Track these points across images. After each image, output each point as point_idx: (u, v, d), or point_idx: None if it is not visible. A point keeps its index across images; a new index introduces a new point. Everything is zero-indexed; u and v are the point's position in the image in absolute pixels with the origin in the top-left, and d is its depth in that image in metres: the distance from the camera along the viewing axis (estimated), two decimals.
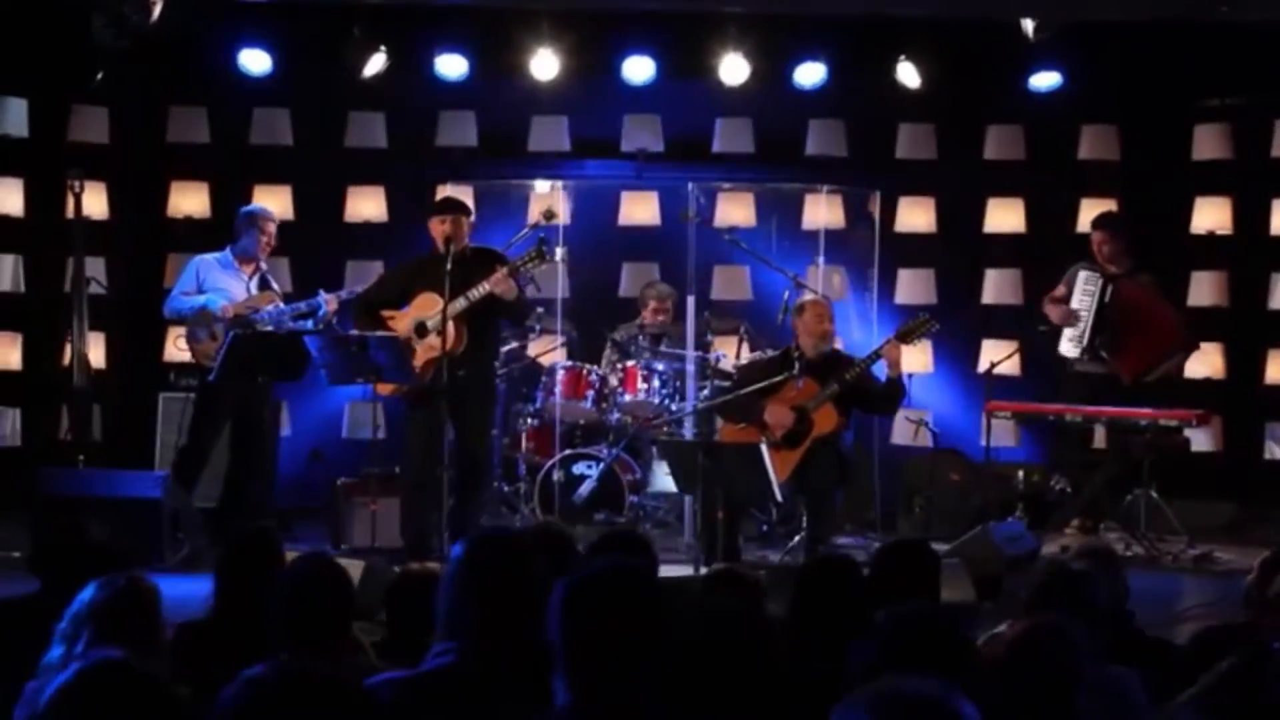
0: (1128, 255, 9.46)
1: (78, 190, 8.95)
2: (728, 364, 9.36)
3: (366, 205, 10.67)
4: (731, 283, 10.50)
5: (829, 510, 8.23)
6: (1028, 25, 9.34)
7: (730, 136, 10.75)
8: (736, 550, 7.95)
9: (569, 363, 9.46)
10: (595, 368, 9.37)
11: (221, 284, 8.74)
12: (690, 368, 9.21)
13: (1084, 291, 9.33)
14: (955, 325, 10.24)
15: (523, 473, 9.44)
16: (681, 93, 10.68)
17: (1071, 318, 9.31)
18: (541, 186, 10.27)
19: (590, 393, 9.23)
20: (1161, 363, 9.27)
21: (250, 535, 4.44)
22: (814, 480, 8.05)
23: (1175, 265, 10.40)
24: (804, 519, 8.32)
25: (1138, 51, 10.15)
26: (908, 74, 10.21)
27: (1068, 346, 9.40)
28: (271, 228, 8.89)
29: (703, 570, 7.04)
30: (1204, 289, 10.52)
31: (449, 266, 7.70)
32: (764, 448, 7.52)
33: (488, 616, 3.04)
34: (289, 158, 10.64)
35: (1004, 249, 10.84)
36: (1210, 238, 10.61)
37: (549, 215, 9.01)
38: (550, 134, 10.69)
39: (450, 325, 7.78)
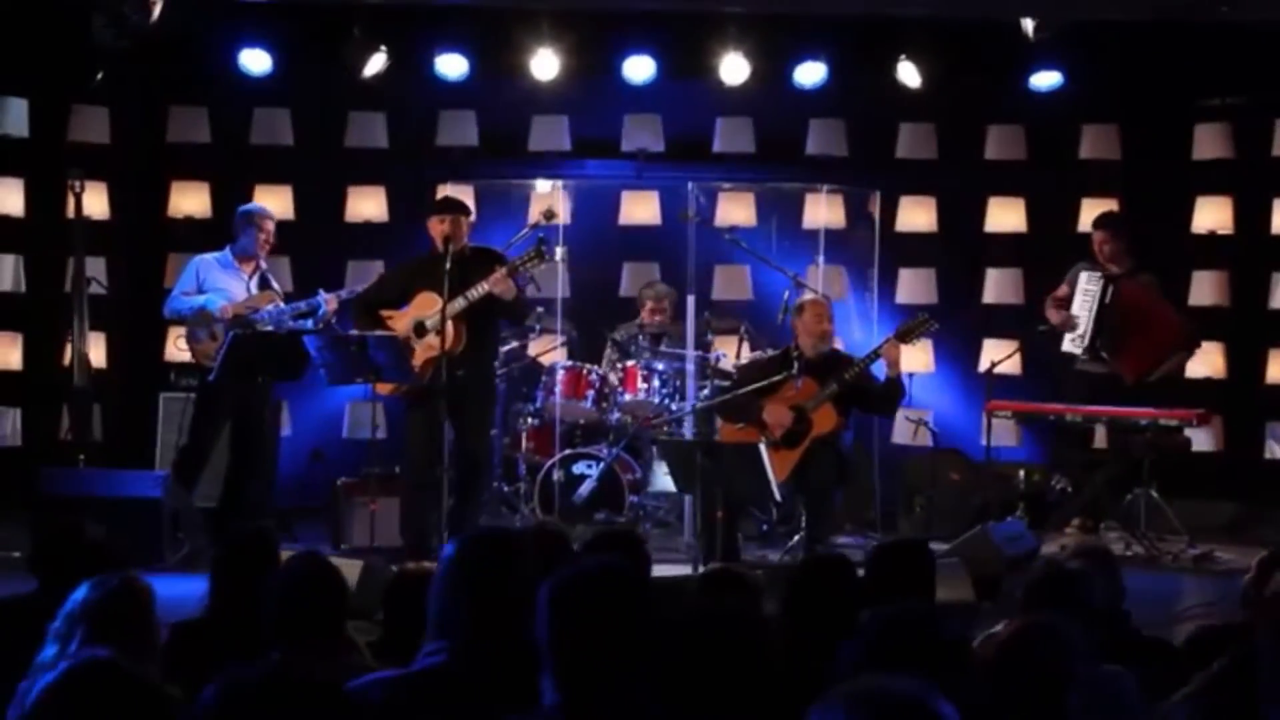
0: (1129, 255, 9.45)
1: (78, 190, 8.95)
2: (728, 364, 9.36)
3: (367, 205, 10.68)
4: (732, 282, 10.50)
5: (828, 510, 8.23)
6: (1028, 25, 9.33)
7: (730, 136, 10.75)
8: (736, 550, 7.95)
9: (569, 362, 9.46)
10: (595, 367, 9.37)
11: (221, 284, 8.74)
12: (690, 367, 9.21)
13: (1085, 292, 9.33)
14: (956, 325, 10.25)
15: (523, 472, 9.44)
16: (682, 92, 10.68)
17: (1071, 322, 9.30)
18: (542, 186, 10.26)
19: (590, 392, 9.22)
20: (1163, 362, 9.26)
21: (247, 535, 4.44)
22: (813, 480, 8.05)
23: (1176, 265, 10.40)
24: (803, 519, 8.31)
25: (1138, 51, 10.15)
26: (908, 73, 10.21)
27: (1070, 345, 9.40)
28: (270, 226, 8.89)
29: (701, 570, 7.04)
30: (1205, 289, 10.51)
31: (448, 266, 7.70)
32: (763, 447, 7.52)
33: (478, 616, 3.04)
34: (289, 158, 10.65)
35: (1004, 249, 10.84)
36: (1211, 237, 10.60)
37: (549, 215, 9.01)
38: (550, 134, 10.69)
39: (449, 325, 7.79)
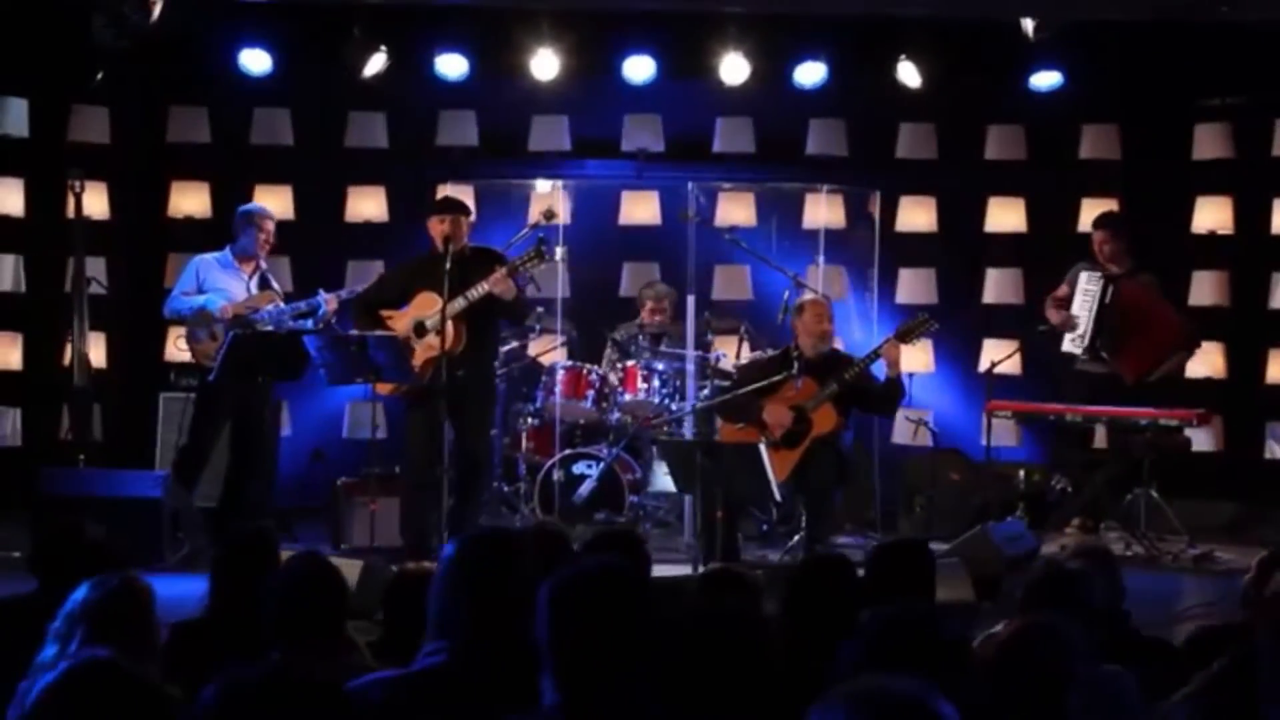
0: (1129, 255, 9.45)
1: (78, 190, 8.96)
2: (728, 364, 9.36)
3: (367, 205, 10.68)
4: (732, 282, 10.50)
5: (828, 510, 8.23)
6: (1027, 25, 9.33)
7: (731, 136, 10.75)
8: (736, 550, 7.95)
9: (569, 362, 9.46)
10: (595, 367, 9.37)
11: (221, 284, 8.74)
12: (690, 367, 9.21)
13: (1085, 292, 9.32)
14: (956, 325, 10.26)
15: (523, 472, 9.44)
16: (682, 92, 10.68)
17: (1071, 322, 9.30)
18: (542, 186, 10.27)
19: (590, 392, 9.23)
20: (1163, 363, 9.26)
21: (247, 535, 4.44)
22: (813, 480, 8.05)
23: (1176, 265, 10.39)
24: (803, 519, 8.31)
25: (1138, 51, 10.15)
26: (908, 73, 10.21)
27: (1070, 345, 9.39)
28: (269, 225, 8.89)
29: (701, 570, 7.04)
30: (1205, 288, 10.51)
31: (448, 266, 7.70)
32: (763, 448, 7.52)
33: (478, 616, 3.04)
34: (289, 158, 10.65)
35: (1005, 248, 10.84)
36: (1211, 237, 10.60)
37: (549, 215, 9.02)
38: (551, 134, 10.70)
39: (449, 325, 7.79)
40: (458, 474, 7.98)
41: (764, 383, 8.08)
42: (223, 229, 9.27)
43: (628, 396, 9.26)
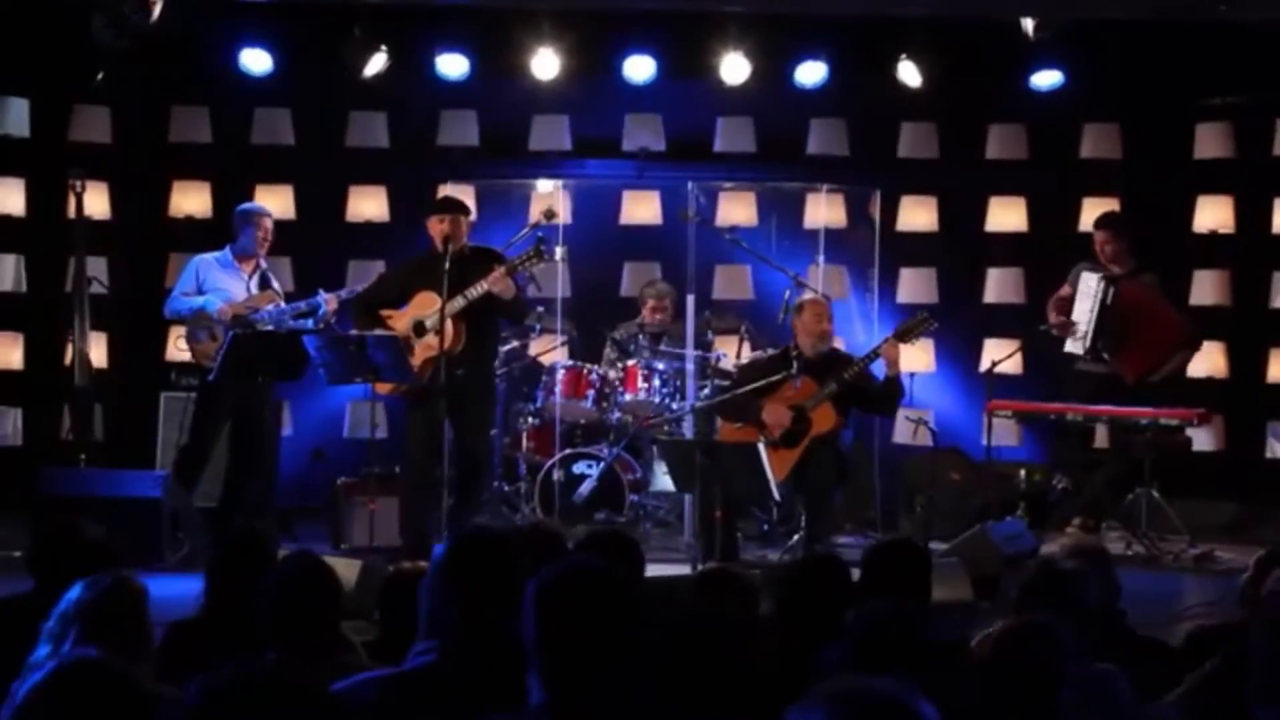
0: (1131, 255, 9.44)
1: (79, 190, 8.97)
2: (728, 363, 9.36)
3: (368, 205, 10.68)
4: (733, 282, 10.50)
5: (827, 509, 8.23)
6: (1028, 25, 9.33)
7: (731, 136, 10.75)
8: (735, 549, 7.95)
9: (569, 362, 9.46)
10: (595, 367, 9.37)
11: (222, 284, 8.74)
12: (690, 367, 9.21)
13: (1086, 293, 9.31)
14: (957, 324, 10.26)
15: (523, 472, 9.44)
16: (682, 92, 10.68)
17: (1071, 329, 9.29)
18: (543, 186, 10.27)
19: (591, 392, 9.23)
20: (1165, 363, 9.25)
21: (242, 535, 4.44)
22: (812, 479, 8.05)
23: (1177, 264, 10.38)
24: (803, 518, 8.31)
25: (1139, 50, 10.14)
26: (909, 73, 10.20)
27: (1072, 346, 9.38)
28: (267, 223, 8.90)
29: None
30: (1206, 288, 10.51)
31: (447, 266, 7.71)
32: (761, 447, 7.52)
33: (468, 616, 3.04)
34: (290, 157, 10.65)
35: (1006, 248, 10.83)
36: (1212, 236, 10.59)
37: (549, 214, 9.02)
38: (551, 133, 10.70)
39: (449, 324, 7.79)
40: (458, 474, 7.99)
41: (763, 382, 8.08)
42: (224, 229, 9.27)
43: (628, 396, 9.26)
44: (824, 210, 10.31)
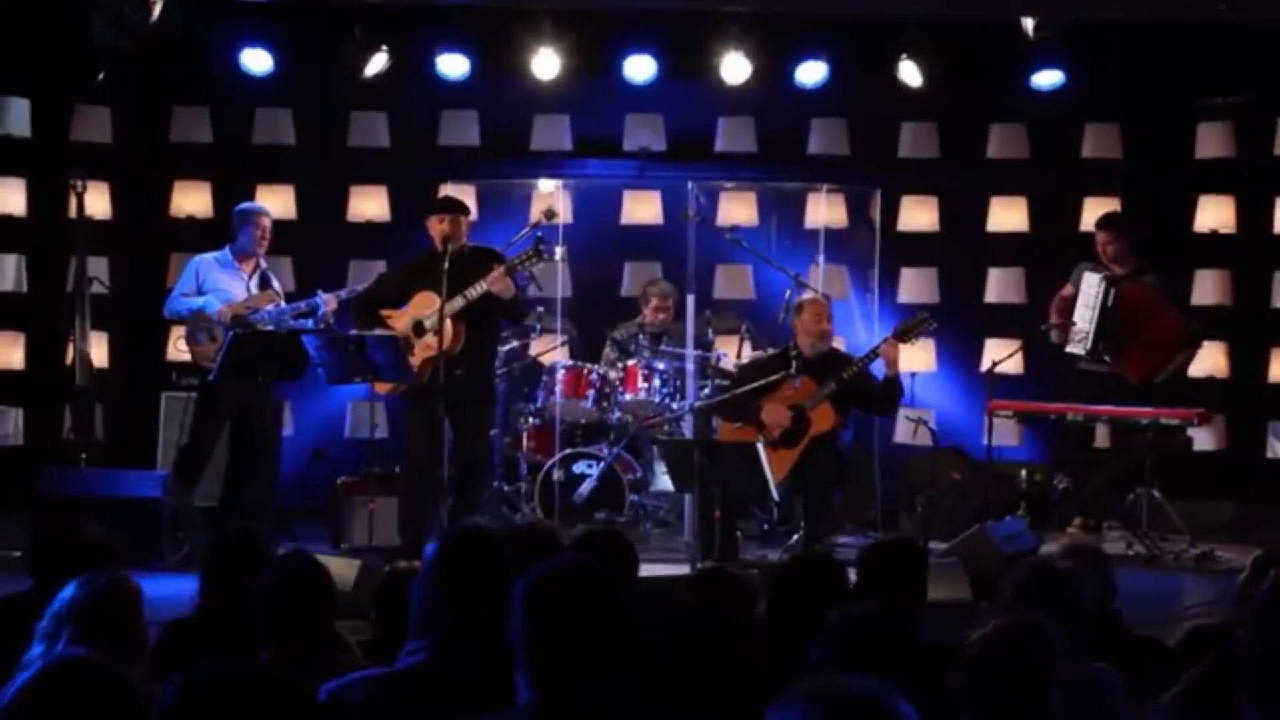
0: (1133, 255, 9.43)
1: (80, 190, 8.99)
2: (728, 363, 9.36)
3: (369, 205, 10.69)
4: (734, 282, 10.50)
5: (827, 509, 8.23)
6: (1028, 24, 9.32)
7: (732, 135, 10.74)
8: (734, 549, 7.95)
9: (569, 362, 9.46)
10: (596, 367, 9.37)
11: (222, 284, 8.75)
12: (690, 367, 9.21)
13: (1088, 293, 9.30)
14: (958, 324, 10.27)
15: (524, 472, 9.45)
16: (683, 92, 10.67)
17: (1071, 334, 9.27)
18: (543, 186, 10.27)
19: (591, 392, 9.23)
20: (1167, 364, 9.24)
21: (235, 534, 4.45)
22: (811, 479, 8.05)
23: (1178, 264, 10.37)
24: (802, 518, 8.31)
25: (1140, 50, 10.13)
26: (909, 73, 10.19)
27: (1073, 347, 9.37)
28: (266, 222, 8.90)
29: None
30: (1207, 287, 10.50)
31: (446, 265, 7.71)
32: (760, 447, 7.52)
33: (459, 615, 3.04)
34: (291, 157, 10.66)
35: (1006, 248, 10.82)
36: (1213, 236, 10.59)
37: (550, 214, 9.02)
38: (552, 133, 10.70)
39: (448, 324, 7.80)
40: (458, 473, 8.00)
41: (762, 382, 8.08)
42: (224, 229, 9.28)
43: (628, 396, 9.26)
44: (825, 210, 10.31)
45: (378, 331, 8.03)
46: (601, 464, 8.91)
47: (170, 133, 10.58)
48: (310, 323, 8.70)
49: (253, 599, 3.64)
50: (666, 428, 9.05)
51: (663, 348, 9.50)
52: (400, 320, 8.16)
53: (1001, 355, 9.74)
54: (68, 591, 3.46)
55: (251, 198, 9.79)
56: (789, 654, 3.17)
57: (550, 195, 10.04)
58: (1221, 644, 3.44)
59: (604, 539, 4.42)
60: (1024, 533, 8.13)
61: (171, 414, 9.38)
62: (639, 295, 9.97)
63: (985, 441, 9.22)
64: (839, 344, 8.88)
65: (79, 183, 8.98)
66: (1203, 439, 9.89)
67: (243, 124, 10.60)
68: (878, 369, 8.29)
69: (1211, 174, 10.61)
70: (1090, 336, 9.22)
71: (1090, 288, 9.24)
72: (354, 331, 8.13)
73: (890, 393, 8.26)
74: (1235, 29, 9.49)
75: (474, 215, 9.11)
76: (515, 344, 9.46)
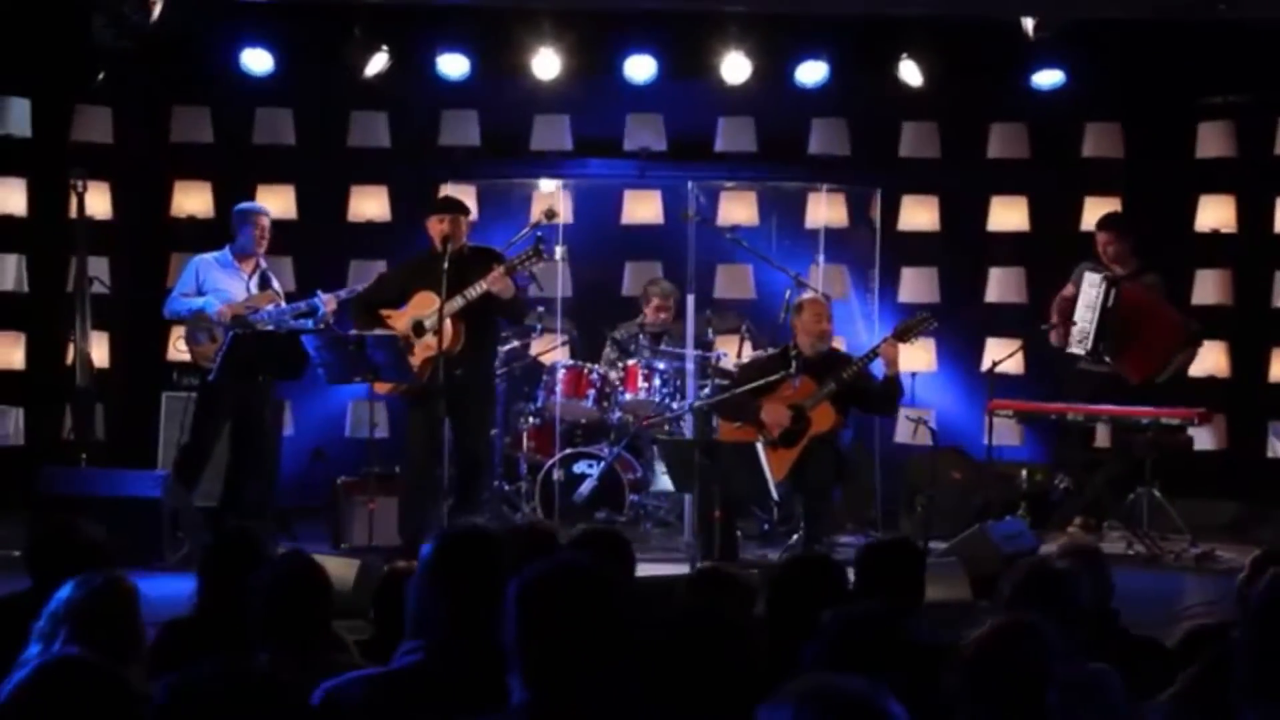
0: (1134, 256, 9.43)
1: (81, 190, 8.99)
2: (728, 363, 9.36)
3: (369, 205, 10.69)
4: (735, 282, 10.50)
5: (826, 509, 8.24)
6: (1028, 24, 9.32)
7: (732, 135, 10.75)
8: (734, 549, 7.95)
9: (570, 362, 9.47)
10: (596, 367, 9.37)
11: (221, 284, 8.75)
12: (690, 366, 9.21)
13: (1088, 294, 9.30)
14: (958, 324, 10.26)
15: (524, 472, 9.45)
16: (683, 92, 10.68)
17: (1068, 331, 9.27)
18: (544, 186, 10.27)
19: (591, 392, 9.23)
20: (1168, 364, 9.23)
21: (233, 534, 4.45)
22: (811, 479, 8.05)
23: (1179, 263, 10.36)
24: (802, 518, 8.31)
25: (1140, 49, 10.13)
26: (910, 72, 10.19)
27: (1074, 347, 9.37)
28: (265, 221, 8.91)
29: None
30: (1208, 287, 10.49)
31: (446, 265, 7.72)
32: (760, 446, 7.52)
33: (455, 615, 3.04)
34: (292, 157, 10.66)
35: (1007, 247, 10.82)
36: (1214, 235, 10.58)
37: (550, 214, 9.02)
38: (552, 133, 10.70)
39: (448, 324, 7.80)
40: (458, 473, 8.00)
41: (761, 382, 8.08)
42: (225, 229, 9.28)
43: (628, 396, 9.26)
44: (825, 210, 10.31)
45: (378, 331, 8.04)
46: (602, 464, 8.91)
47: (171, 133, 10.59)
48: (310, 323, 8.70)
49: (250, 599, 3.64)
50: (666, 427, 9.05)
51: (663, 347, 9.50)
52: (400, 320, 8.16)
53: (1002, 355, 9.74)
54: (64, 591, 3.46)
55: (252, 198, 9.80)
56: (788, 654, 3.17)
57: (551, 195, 10.04)
58: (1218, 643, 3.44)
59: (601, 538, 4.43)
60: (1024, 533, 8.13)
61: (172, 414, 9.38)
62: (639, 295, 9.97)
63: (985, 441, 9.22)
64: (839, 344, 8.88)
65: (80, 183, 8.99)
66: (1203, 439, 9.89)
67: (243, 124, 10.60)
68: (878, 369, 8.29)
69: (1212, 173, 10.60)
70: (1091, 337, 9.22)
71: (1091, 288, 9.23)
72: (354, 331, 8.13)
73: (890, 392, 8.26)
74: (1235, 29, 9.49)
75: (474, 215, 9.12)
76: (516, 344, 9.46)
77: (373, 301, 8.36)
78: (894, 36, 10.13)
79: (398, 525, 8.24)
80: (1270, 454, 10.37)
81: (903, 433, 9.97)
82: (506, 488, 9.47)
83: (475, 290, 7.84)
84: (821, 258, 10.01)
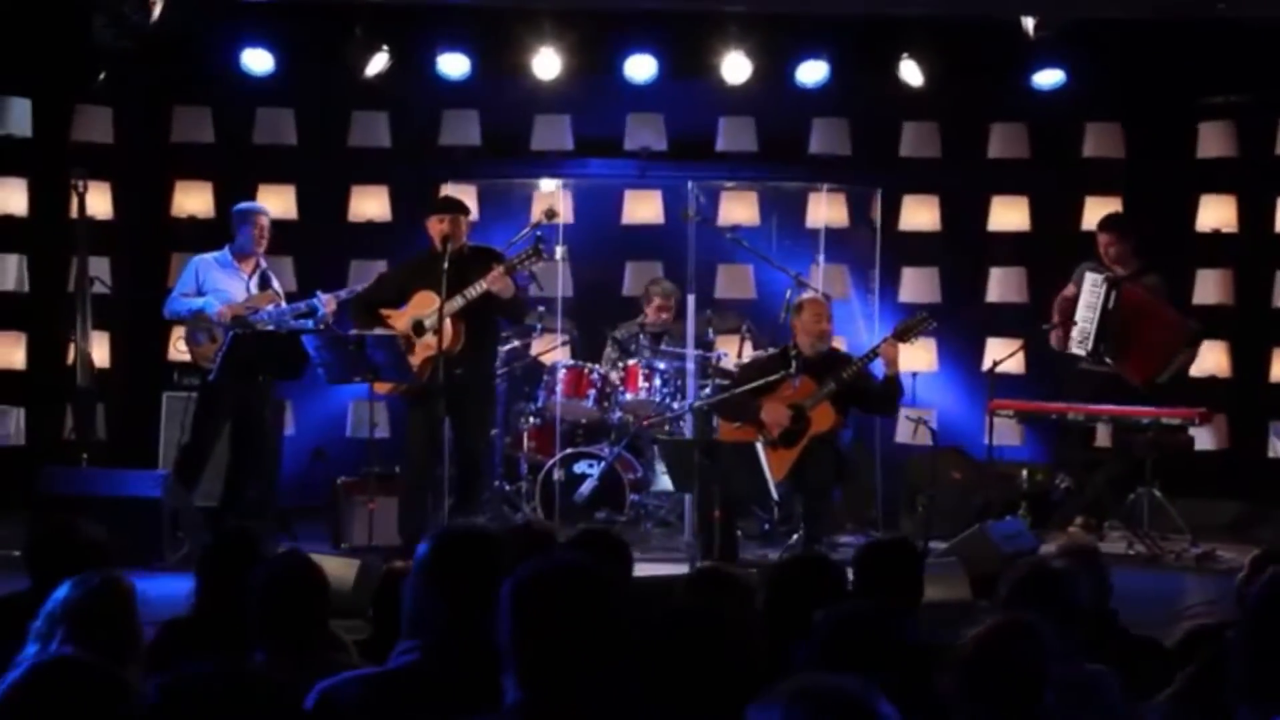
0: (1135, 256, 9.42)
1: (81, 190, 9.00)
2: (729, 363, 9.36)
3: (370, 205, 10.69)
4: (735, 281, 10.50)
5: (826, 509, 8.23)
6: (1028, 24, 9.32)
7: (733, 135, 10.75)
8: (734, 549, 7.95)
9: (570, 361, 9.47)
10: (597, 366, 9.37)
11: (221, 284, 8.76)
12: (691, 366, 9.21)
13: (1089, 294, 9.29)
14: (959, 324, 10.26)
15: (524, 471, 9.45)
16: (684, 91, 10.67)
17: (1072, 335, 9.27)
18: (544, 185, 10.27)
19: (592, 391, 9.23)
20: (1169, 365, 9.23)
21: (232, 534, 4.45)
22: (811, 479, 8.04)
23: (1180, 263, 10.36)
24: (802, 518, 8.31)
25: (1141, 49, 10.12)
26: (910, 72, 10.19)
27: (1075, 348, 9.37)
28: (264, 221, 8.92)
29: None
30: (1209, 287, 10.49)
31: (446, 265, 7.72)
32: (760, 446, 7.52)
33: (451, 615, 3.03)
34: (292, 157, 10.67)
35: (1008, 247, 10.82)
36: (1215, 235, 10.58)
37: (551, 214, 9.03)
38: (553, 133, 10.70)
39: (448, 324, 7.80)
40: (458, 473, 8.00)
41: (761, 382, 8.08)
42: (225, 229, 9.28)
43: (629, 396, 9.26)
44: (825, 210, 10.30)
45: (377, 331, 8.04)
46: (602, 464, 8.91)
47: (171, 133, 10.59)
48: (310, 323, 8.70)
49: (247, 598, 3.64)
50: (667, 427, 9.05)
51: (663, 347, 9.50)
52: (400, 320, 8.16)
53: (1002, 355, 9.72)
54: (61, 591, 3.46)
55: (253, 198, 9.80)
56: (786, 654, 3.17)
57: (551, 195, 10.04)
58: (1212, 643, 3.44)
59: (598, 538, 4.43)
60: (1024, 532, 8.13)
61: (172, 414, 9.39)
62: (640, 295, 9.97)
63: (986, 441, 9.21)
64: (839, 344, 8.88)
65: (80, 183, 9.00)
66: (1204, 438, 9.88)
67: (244, 124, 10.61)
68: (878, 369, 8.28)
69: (1213, 173, 10.60)
70: (1091, 338, 9.22)
71: (1091, 289, 9.23)
72: (354, 331, 8.13)
73: (890, 392, 8.26)
74: (1235, 28, 9.49)
75: (474, 215, 9.12)
76: (516, 344, 9.46)
77: (373, 301, 8.36)
78: (894, 36, 10.13)
79: (398, 525, 8.23)
80: (1271, 454, 10.36)
81: (903, 433, 9.97)
82: (507, 488, 9.47)
83: (475, 290, 7.84)
84: (822, 257, 10.01)
